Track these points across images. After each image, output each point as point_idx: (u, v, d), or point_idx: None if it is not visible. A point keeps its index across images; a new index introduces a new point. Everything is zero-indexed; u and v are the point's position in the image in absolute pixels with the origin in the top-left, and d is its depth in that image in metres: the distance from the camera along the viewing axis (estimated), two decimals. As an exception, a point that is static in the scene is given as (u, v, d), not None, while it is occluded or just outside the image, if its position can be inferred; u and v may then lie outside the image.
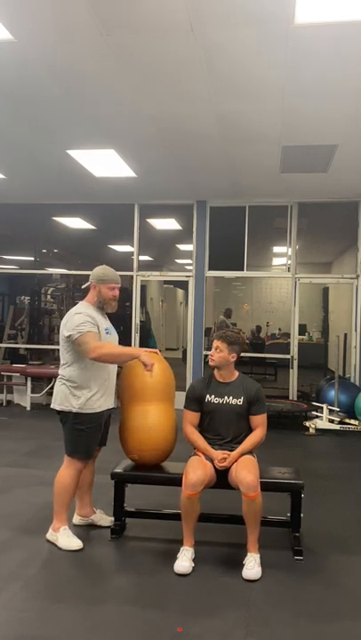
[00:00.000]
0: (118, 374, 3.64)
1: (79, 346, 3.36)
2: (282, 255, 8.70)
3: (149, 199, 8.13)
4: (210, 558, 3.30)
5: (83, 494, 3.71)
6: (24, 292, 11.16)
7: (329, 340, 11.72)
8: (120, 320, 9.49)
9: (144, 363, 3.31)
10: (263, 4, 3.14)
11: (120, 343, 3.83)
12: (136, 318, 8.49)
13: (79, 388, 3.43)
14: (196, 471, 3.19)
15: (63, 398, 3.46)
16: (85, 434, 3.45)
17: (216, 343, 3.50)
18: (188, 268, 8.47)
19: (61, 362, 3.52)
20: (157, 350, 3.77)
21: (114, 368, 3.63)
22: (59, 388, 3.51)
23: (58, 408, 3.49)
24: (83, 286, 3.63)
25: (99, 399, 3.47)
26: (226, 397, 3.47)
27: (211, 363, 3.56)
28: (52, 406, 3.53)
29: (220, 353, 3.49)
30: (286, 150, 5.67)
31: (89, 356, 3.33)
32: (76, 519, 3.76)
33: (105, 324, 3.57)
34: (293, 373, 8.10)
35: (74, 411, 3.42)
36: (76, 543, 3.39)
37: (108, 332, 3.54)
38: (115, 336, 3.67)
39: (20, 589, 2.92)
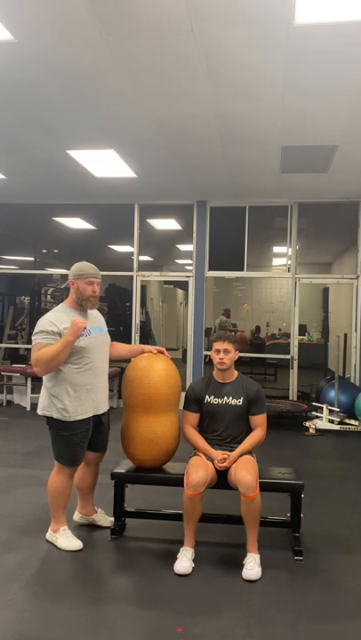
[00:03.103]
0: (122, 372, 3.51)
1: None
2: (282, 255, 8.69)
3: (149, 199, 8.13)
4: (210, 558, 3.30)
5: (85, 495, 3.70)
6: (24, 292, 11.15)
7: (329, 341, 11.72)
8: (120, 320, 9.49)
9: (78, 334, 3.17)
10: (263, 4, 3.14)
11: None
12: (136, 318, 8.49)
13: (58, 394, 3.31)
14: (198, 472, 3.19)
15: (45, 404, 3.36)
16: (70, 441, 3.34)
17: (223, 345, 3.42)
18: (189, 268, 8.47)
19: None
20: (164, 349, 3.65)
21: (101, 371, 3.46)
22: (42, 392, 3.42)
23: (40, 413, 3.40)
24: (63, 285, 3.52)
25: (81, 405, 3.33)
26: (225, 398, 3.47)
27: (222, 367, 3.44)
28: (37, 411, 3.45)
29: (229, 354, 3.44)
30: (286, 150, 5.67)
31: (34, 370, 3.27)
32: (77, 516, 3.75)
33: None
34: (293, 373, 8.10)
35: (55, 417, 3.32)
36: (75, 543, 3.39)
37: (82, 335, 3.29)
38: (99, 338, 3.45)
39: (19, 589, 2.92)
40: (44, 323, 3.31)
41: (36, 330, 3.31)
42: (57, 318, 3.32)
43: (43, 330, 3.28)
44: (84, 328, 3.19)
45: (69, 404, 3.31)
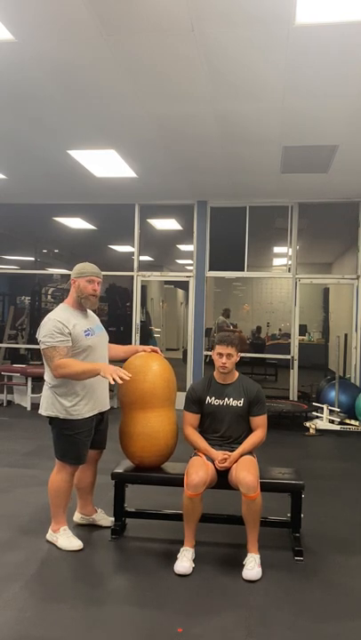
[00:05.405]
0: None
1: (44, 359, 3.28)
2: (282, 255, 8.70)
3: (150, 199, 8.13)
4: (210, 558, 3.30)
5: (85, 495, 3.70)
6: (24, 292, 11.16)
7: (329, 341, 11.72)
8: (121, 320, 9.49)
9: (106, 378, 3.11)
10: (264, 5, 3.14)
11: (120, 343, 3.80)
12: (136, 318, 8.49)
13: (64, 393, 3.32)
14: (198, 472, 3.19)
15: (49, 404, 3.36)
16: (75, 439, 3.36)
17: (226, 350, 3.41)
18: (189, 268, 8.47)
19: (45, 366, 3.40)
20: (157, 348, 3.68)
21: None
22: (45, 392, 3.42)
23: (44, 414, 3.40)
24: (66, 284, 3.55)
25: (87, 404, 3.37)
26: (226, 399, 3.46)
27: (225, 371, 3.44)
28: (39, 411, 3.45)
29: (231, 358, 3.43)
30: (287, 150, 5.67)
31: (52, 374, 3.25)
32: (77, 517, 3.75)
33: (85, 324, 3.41)
34: (294, 374, 8.10)
35: (61, 417, 3.33)
36: (76, 543, 3.39)
37: (88, 334, 3.37)
38: (101, 336, 3.51)
39: (20, 589, 2.92)
40: (54, 324, 3.27)
41: (44, 332, 3.27)
42: (64, 318, 3.33)
43: (56, 331, 3.25)
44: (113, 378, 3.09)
45: (77, 402, 3.33)
